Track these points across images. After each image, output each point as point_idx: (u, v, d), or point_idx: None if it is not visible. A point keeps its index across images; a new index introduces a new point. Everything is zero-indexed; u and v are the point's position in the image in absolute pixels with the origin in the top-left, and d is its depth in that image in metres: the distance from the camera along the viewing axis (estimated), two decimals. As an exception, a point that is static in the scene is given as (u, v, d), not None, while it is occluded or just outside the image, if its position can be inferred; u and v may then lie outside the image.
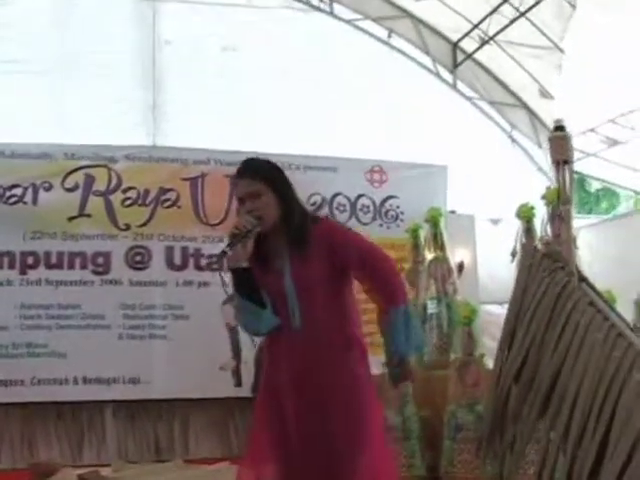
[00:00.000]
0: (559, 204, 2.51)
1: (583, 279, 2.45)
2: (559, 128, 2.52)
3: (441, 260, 6.72)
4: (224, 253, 3.20)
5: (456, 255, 7.91)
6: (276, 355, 3.39)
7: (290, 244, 3.32)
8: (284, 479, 3.30)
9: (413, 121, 9.65)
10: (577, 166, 9.71)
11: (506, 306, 2.82)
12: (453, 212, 9.00)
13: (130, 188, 7.96)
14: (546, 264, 2.53)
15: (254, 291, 3.26)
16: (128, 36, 9.01)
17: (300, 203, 3.47)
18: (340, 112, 9.49)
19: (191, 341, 7.75)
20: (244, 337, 7.78)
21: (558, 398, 2.32)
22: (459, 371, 5.79)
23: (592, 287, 2.44)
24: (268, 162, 3.48)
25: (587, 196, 17.51)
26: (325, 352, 3.29)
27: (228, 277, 3.40)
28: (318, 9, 10.04)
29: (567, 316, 2.36)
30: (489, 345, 5.78)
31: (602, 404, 2.18)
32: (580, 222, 10.19)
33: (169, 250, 7.98)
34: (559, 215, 2.63)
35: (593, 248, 9.26)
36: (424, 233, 7.06)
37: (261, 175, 3.38)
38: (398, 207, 8.74)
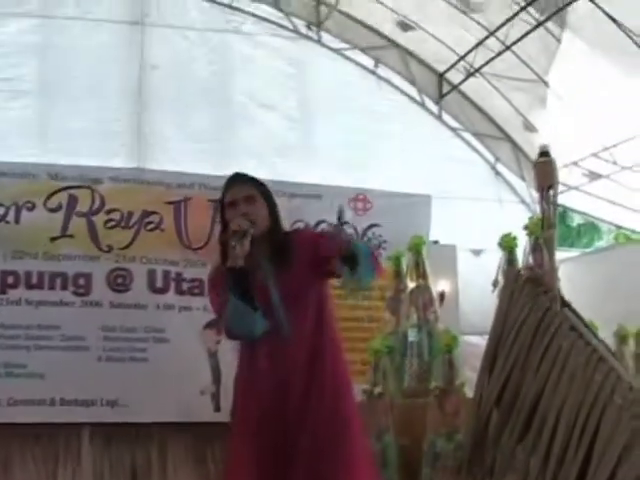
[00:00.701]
0: (543, 228, 2.53)
1: (565, 304, 2.46)
2: (544, 154, 2.54)
3: (423, 288, 6.70)
4: (233, 247, 3.27)
5: (438, 285, 7.90)
6: (258, 368, 3.39)
7: (273, 255, 3.37)
8: None
9: (398, 150, 9.69)
10: (559, 199, 9.77)
11: (487, 337, 2.81)
12: (436, 242, 9.01)
13: (113, 210, 7.91)
14: (528, 289, 2.54)
15: (248, 292, 3.27)
16: (115, 59, 9.03)
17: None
18: (325, 139, 9.54)
19: (171, 365, 7.68)
20: (224, 362, 7.76)
21: (539, 421, 2.32)
22: (439, 399, 5.74)
23: (574, 312, 2.44)
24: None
25: (568, 231, 17.56)
26: (311, 359, 3.33)
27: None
28: (306, 37, 10.09)
29: (549, 340, 2.37)
30: (470, 376, 5.76)
31: (583, 427, 2.18)
32: (561, 255, 10.20)
33: (151, 273, 7.92)
34: (543, 240, 2.65)
35: (574, 281, 9.26)
36: (406, 261, 7.06)
37: (256, 183, 3.53)
38: (381, 235, 8.73)
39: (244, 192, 3.45)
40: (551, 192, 2.50)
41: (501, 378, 2.48)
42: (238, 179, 3.55)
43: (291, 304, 3.35)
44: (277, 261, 3.40)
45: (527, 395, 2.40)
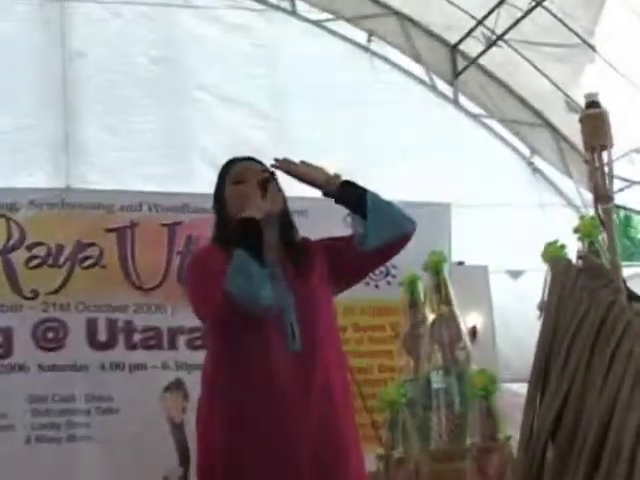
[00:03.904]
0: (596, 203, 2.48)
1: (633, 297, 2.43)
2: (592, 104, 2.52)
3: (447, 318, 6.63)
4: (272, 174, 3.61)
5: (467, 319, 7.88)
6: (252, 388, 3.42)
7: (286, 247, 3.63)
8: None
9: (403, 148, 9.68)
10: (618, 198, 9.74)
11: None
12: (461, 263, 9.00)
13: (37, 244, 7.86)
14: (584, 282, 2.51)
15: (259, 248, 3.40)
16: (30, 48, 9.01)
17: None
18: (307, 140, 9.50)
19: (124, 443, 7.60)
20: (193, 436, 7.69)
21: (611, 453, 2.28)
22: (478, 461, 5.69)
23: (648, 307, 2.42)
24: None
25: (632, 245, 17.65)
26: (328, 383, 3.41)
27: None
28: (277, 8, 10.13)
29: (616, 344, 2.33)
30: (514, 436, 5.66)
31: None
32: (625, 272, 10.20)
33: (91, 323, 7.85)
34: (599, 216, 2.60)
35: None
36: (423, 286, 7.02)
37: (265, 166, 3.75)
38: (388, 259, 8.72)
39: (260, 169, 3.68)
40: (604, 155, 2.47)
41: (556, 401, 2.44)
42: (246, 159, 3.78)
43: (306, 308, 3.50)
44: (291, 255, 3.61)
45: (592, 421, 2.36)
